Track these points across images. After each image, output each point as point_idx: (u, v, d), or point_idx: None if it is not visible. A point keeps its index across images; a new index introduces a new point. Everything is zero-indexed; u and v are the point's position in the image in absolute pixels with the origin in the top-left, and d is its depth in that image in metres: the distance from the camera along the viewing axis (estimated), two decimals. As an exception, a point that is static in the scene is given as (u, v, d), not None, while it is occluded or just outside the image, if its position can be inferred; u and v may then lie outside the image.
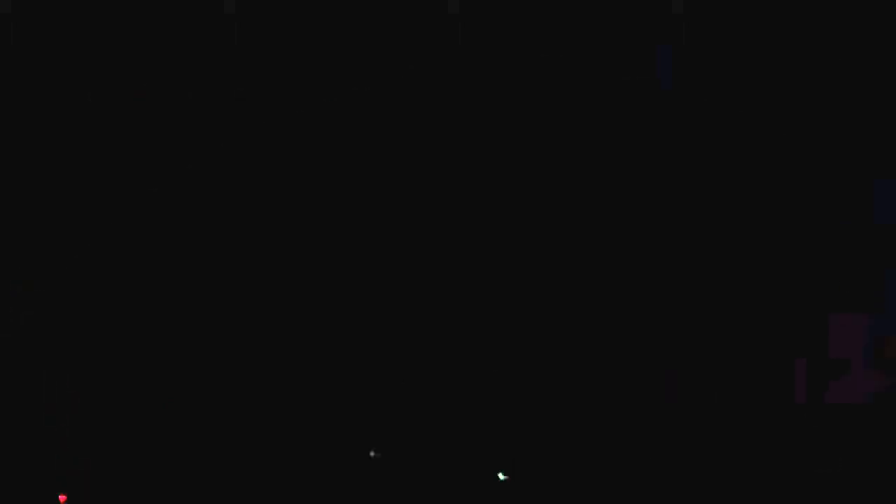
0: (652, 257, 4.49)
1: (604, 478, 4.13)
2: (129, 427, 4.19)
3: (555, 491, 4.12)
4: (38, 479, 4.04)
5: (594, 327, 4.40)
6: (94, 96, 4.50)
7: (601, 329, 4.40)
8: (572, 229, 4.54)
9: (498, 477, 3.94)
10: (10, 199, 4.43)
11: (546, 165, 4.60)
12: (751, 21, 4.59)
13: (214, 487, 4.09)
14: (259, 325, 4.38)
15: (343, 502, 4.10)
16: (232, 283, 4.43)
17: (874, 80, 4.54)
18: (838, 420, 4.17)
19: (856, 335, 4.30)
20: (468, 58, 4.62)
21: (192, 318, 4.38)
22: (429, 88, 4.61)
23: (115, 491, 4.06)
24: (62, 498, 3.89)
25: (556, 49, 4.63)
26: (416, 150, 4.60)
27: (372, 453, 3.92)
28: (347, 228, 4.52)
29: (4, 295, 4.33)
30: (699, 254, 4.48)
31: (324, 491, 4.11)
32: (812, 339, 4.32)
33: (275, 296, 4.42)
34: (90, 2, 4.50)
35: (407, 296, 4.44)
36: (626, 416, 4.25)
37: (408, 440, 4.20)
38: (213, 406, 4.25)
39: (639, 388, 4.30)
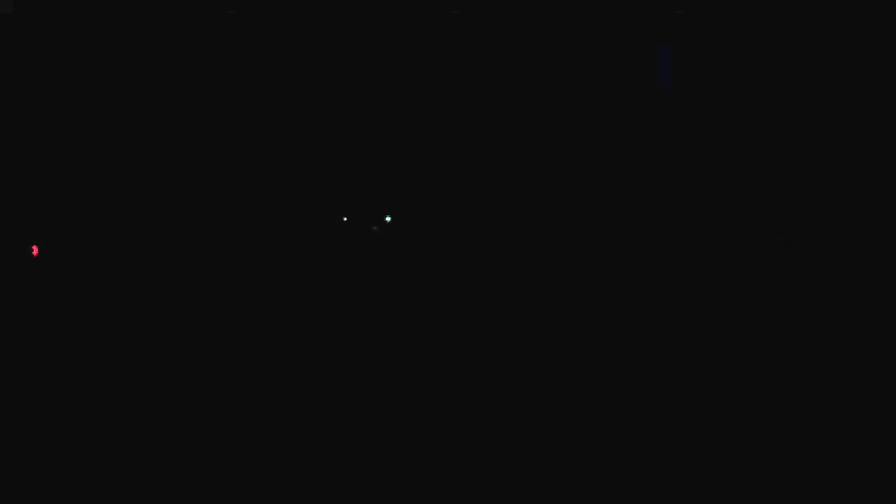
0: (650, 254, 4.49)
1: (604, 478, 4.13)
2: (129, 426, 4.20)
3: (555, 491, 4.12)
4: (38, 479, 4.04)
5: (592, 327, 4.40)
6: (94, 96, 4.51)
7: (600, 328, 4.40)
8: (571, 227, 4.54)
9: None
10: (10, 198, 4.43)
11: (546, 164, 4.61)
12: (751, 21, 4.60)
13: (214, 487, 4.10)
14: (257, 324, 4.39)
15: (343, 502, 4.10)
16: (230, 281, 4.43)
17: (873, 80, 4.54)
18: (838, 420, 4.17)
19: None
20: (468, 57, 4.62)
21: (188, 317, 4.38)
22: (429, 88, 4.62)
23: (115, 491, 4.07)
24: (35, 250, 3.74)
25: (556, 48, 4.63)
26: (416, 149, 4.61)
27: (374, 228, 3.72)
28: (348, 227, 4.53)
29: (5, 294, 4.33)
30: (698, 250, 4.48)
31: (323, 491, 4.11)
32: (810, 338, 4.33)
33: (273, 294, 4.43)
34: (90, 2, 4.50)
35: (406, 295, 4.44)
36: (625, 416, 4.25)
37: (407, 440, 4.20)
38: (211, 405, 4.26)
39: (639, 388, 4.30)
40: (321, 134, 4.61)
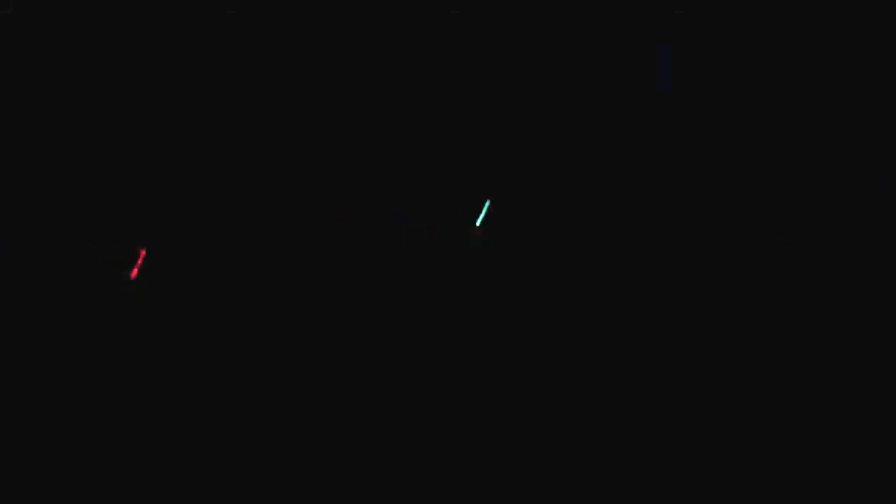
0: (650, 254, 4.49)
1: (604, 478, 4.13)
2: (129, 426, 4.19)
3: (555, 491, 4.13)
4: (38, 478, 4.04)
5: (591, 327, 4.40)
6: (94, 96, 4.51)
7: (600, 328, 4.40)
8: (571, 226, 4.54)
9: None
10: (10, 198, 4.43)
11: (544, 163, 4.60)
12: (751, 21, 4.60)
13: (214, 488, 4.10)
14: (257, 324, 4.39)
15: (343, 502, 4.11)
16: (229, 282, 4.43)
17: (873, 80, 4.54)
18: (839, 419, 4.17)
19: None
20: (467, 57, 4.62)
21: (187, 318, 4.38)
22: (429, 88, 4.62)
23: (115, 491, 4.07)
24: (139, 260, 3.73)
25: (555, 48, 4.63)
26: (416, 150, 4.61)
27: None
28: (347, 227, 4.53)
29: (5, 292, 4.33)
30: (698, 250, 4.48)
31: (324, 491, 4.11)
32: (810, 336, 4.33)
33: (274, 295, 4.43)
34: (90, 2, 4.50)
35: (407, 295, 4.44)
36: (626, 417, 4.25)
37: (407, 440, 4.20)
38: (211, 406, 4.26)
39: (639, 388, 4.30)
40: (322, 134, 4.61)
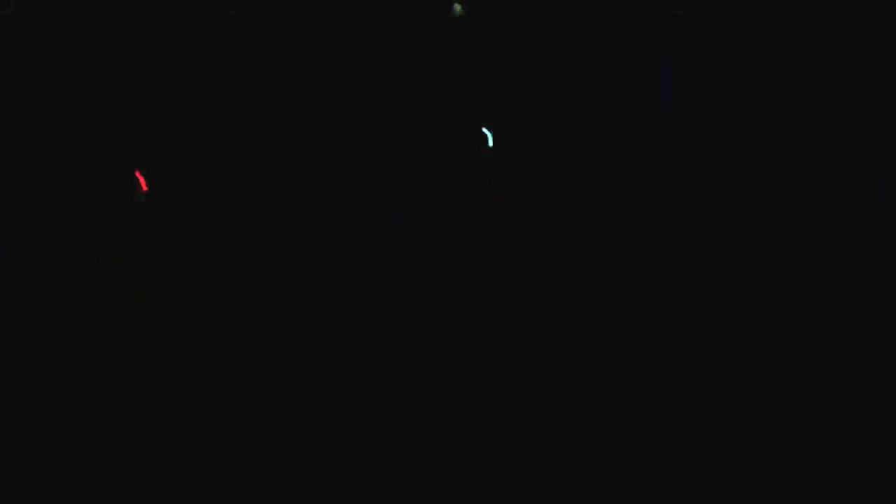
0: (651, 254, 4.49)
1: (604, 478, 4.13)
2: (129, 426, 4.19)
3: (555, 491, 4.12)
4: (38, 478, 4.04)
5: (591, 327, 4.40)
6: (94, 96, 4.51)
7: (600, 328, 4.40)
8: (571, 230, 4.54)
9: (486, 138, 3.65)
10: (10, 198, 4.44)
11: (545, 166, 4.61)
12: (751, 20, 4.60)
13: (214, 488, 4.10)
14: (258, 324, 4.39)
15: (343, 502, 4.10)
16: (229, 282, 4.43)
17: (873, 80, 4.54)
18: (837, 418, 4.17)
19: None
20: (468, 58, 4.62)
21: (186, 319, 4.38)
22: (429, 91, 4.62)
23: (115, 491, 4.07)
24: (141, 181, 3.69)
25: (556, 57, 4.63)
26: (416, 149, 4.61)
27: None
28: (347, 227, 4.53)
29: (7, 291, 4.33)
30: (698, 250, 4.48)
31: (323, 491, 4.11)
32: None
33: (273, 295, 4.43)
34: (90, 2, 4.50)
35: (407, 295, 4.45)
36: (626, 417, 4.25)
37: (407, 440, 4.20)
38: (211, 406, 4.26)
39: (639, 388, 4.30)
40: (322, 134, 4.61)
